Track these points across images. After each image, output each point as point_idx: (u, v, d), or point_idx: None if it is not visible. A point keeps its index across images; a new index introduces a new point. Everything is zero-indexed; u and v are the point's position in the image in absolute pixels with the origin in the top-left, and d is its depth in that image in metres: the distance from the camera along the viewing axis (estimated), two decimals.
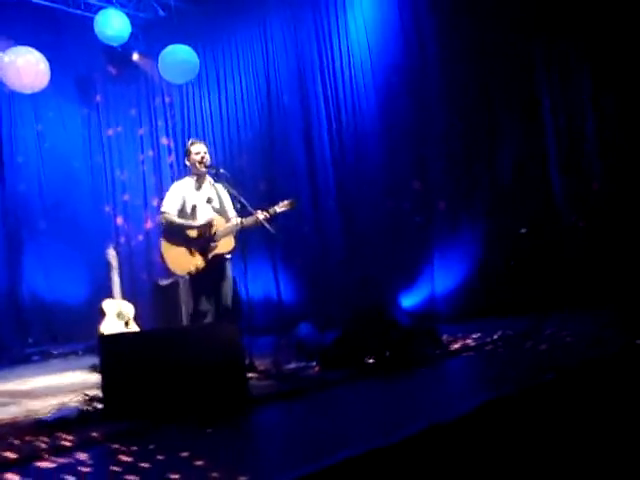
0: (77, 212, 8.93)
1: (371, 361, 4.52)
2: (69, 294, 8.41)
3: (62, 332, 8.19)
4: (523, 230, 6.65)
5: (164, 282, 7.35)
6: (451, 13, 6.99)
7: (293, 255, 8.08)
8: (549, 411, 3.26)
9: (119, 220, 9.35)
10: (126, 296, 6.70)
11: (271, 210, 4.98)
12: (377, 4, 7.48)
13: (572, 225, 6.45)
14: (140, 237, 9.14)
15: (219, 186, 5.28)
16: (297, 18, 8.06)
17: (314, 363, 4.76)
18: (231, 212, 5.25)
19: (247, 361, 4.69)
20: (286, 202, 5.09)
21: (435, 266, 7.06)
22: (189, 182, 5.23)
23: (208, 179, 5.26)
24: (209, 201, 5.16)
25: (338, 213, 7.78)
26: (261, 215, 4.90)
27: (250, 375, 4.61)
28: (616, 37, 6.09)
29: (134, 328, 6.13)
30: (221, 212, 5.19)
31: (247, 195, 8.13)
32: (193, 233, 5.06)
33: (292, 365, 4.85)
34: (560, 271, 6.38)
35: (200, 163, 5.12)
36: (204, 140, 5.30)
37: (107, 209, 9.35)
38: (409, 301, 7.17)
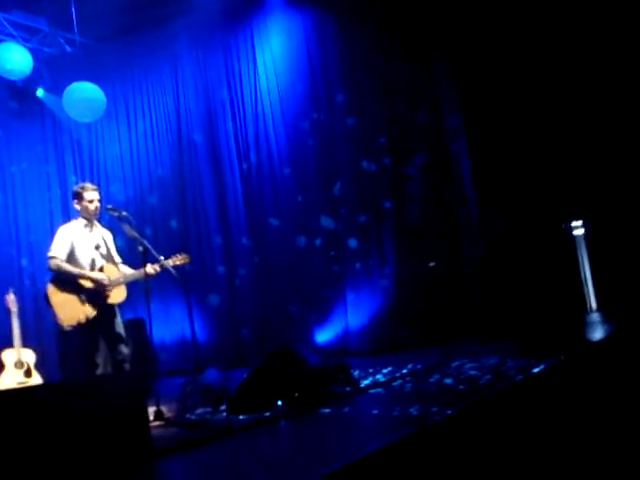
0: None
1: (280, 403, 4.49)
2: None
3: None
4: (432, 264, 6.85)
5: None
6: (359, 55, 7.22)
7: (208, 294, 7.99)
8: (451, 448, 3.33)
9: (24, 262, 8.95)
10: (29, 343, 6.40)
11: (164, 263, 4.84)
12: (286, 47, 7.63)
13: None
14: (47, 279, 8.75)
15: (105, 231, 5.19)
16: (207, 57, 8.11)
17: (223, 407, 4.68)
18: (117, 258, 5.16)
19: (154, 408, 4.59)
20: (179, 257, 5.01)
21: (348, 302, 7.16)
22: (77, 226, 5.03)
23: (96, 224, 5.14)
24: (97, 247, 5.03)
25: (251, 251, 7.77)
26: (150, 269, 4.79)
27: (156, 423, 4.50)
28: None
29: (35, 377, 5.85)
30: (108, 259, 5.07)
31: (158, 232, 8.19)
32: (84, 282, 4.89)
33: (199, 411, 4.76)
34: (466, 303, 6.63)
35: (91, 210, 4.99)
36: (98, 185, 5.16)
37: (11, 251, 8.92)
38: (323, 337, 7.23)
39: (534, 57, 6.47)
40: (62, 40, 8.51)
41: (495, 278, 6.53)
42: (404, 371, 5.46)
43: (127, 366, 4.84)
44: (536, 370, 4.48)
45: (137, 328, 6.64)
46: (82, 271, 4.89)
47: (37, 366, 6.00)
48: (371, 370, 5.71)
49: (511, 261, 6.43)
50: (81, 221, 5.06)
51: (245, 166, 7.81)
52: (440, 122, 6.97)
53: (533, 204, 6.56)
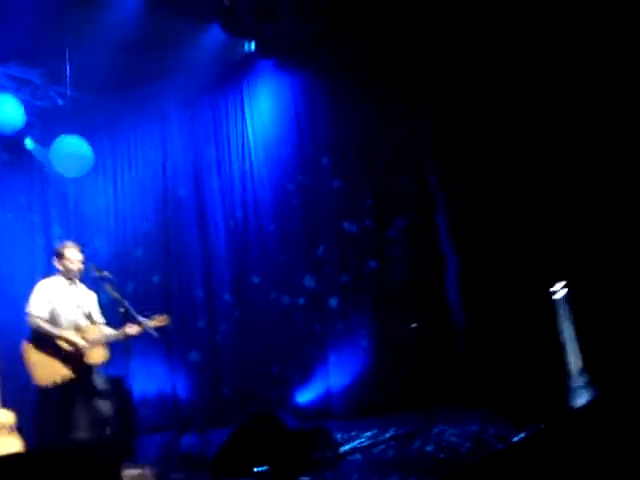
0: None
1: (259, 470, 4.41)
2: None
3: None
4: (414, 325, 6.84)
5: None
6: (345, 118, 7.38)
7: (188, 349, 7.90)
8: None
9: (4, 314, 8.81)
10: (7, 404, 6.23)
11: (143, 325, 4.85)
12: (275, 109, 7.78)
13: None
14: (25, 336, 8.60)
15: (88, 291, 5.17)
16: (196, 114, 8.23)
17: (201, 472, 4.60)
18: (99, 318, 5.14)
19: (133, 471, 4.50)
20: (160, 318, 5.01)
21: (330, 362, 7.12)
22: (57, 284, 5.02)
23: (78, 283, 5.12)
24: (78, 307, 5.01)
25: (234, 308, 7.74)
26: (131, 330, 4.76)
27: None
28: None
29: (14, 440, 5.66)
30: (89, 319, 5.05)
31: (140, 285, 8.12)
32: (63, 343, 4.83)
33: (178, 475, 4.66)
34: (448, 365, 6.59)
35: (73, 269, 4.99)
36: (81, 245, 5.15)
37: None
38: (304, 397, 7.15)
39: (514, 115, 6.54)
40: (54, 93, 8.59)
41: (477, 341, 6.52)
42: (386, 436, 5.41)
43: (108, 429, 4.71)
44: (516, 439, 4.45)
45: (117, 385, 6.52)
46: (61, 332, 4.83)
47: (16, 427, 5.81)
48: (353, 433, 5.64)
49: (493, 324, 6.43)
50: (62, 279, 5.02)
51: (231, 223, 7.85)
52: (423, 182, 7.06)
53: (514, 266, 6.60)
